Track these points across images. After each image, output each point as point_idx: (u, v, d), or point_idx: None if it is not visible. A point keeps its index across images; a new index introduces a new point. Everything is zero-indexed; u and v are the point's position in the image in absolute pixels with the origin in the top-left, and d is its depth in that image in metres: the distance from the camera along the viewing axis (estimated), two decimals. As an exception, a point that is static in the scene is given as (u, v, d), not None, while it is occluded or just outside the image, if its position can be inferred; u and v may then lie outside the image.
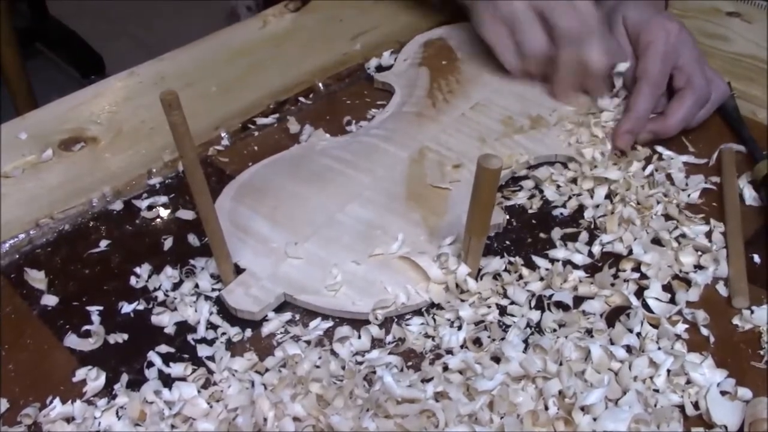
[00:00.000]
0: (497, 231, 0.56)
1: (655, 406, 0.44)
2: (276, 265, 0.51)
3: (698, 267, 0.53)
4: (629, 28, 0.65)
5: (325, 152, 0.62)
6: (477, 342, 0.48)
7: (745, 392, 0.45)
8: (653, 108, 0.63)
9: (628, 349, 0.47)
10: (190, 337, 0.48)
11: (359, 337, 0.48)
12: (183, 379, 0.46)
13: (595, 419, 0.42)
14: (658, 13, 0.65)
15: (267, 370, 0.46)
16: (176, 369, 0.46)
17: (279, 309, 0.50)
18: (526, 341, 0.48)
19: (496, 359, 0.46)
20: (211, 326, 0.49)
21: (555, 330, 0.48)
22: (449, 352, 0.47)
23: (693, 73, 0.63)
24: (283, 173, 0.59)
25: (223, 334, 0.48)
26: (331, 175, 0.59)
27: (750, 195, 0.59)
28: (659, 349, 0.47)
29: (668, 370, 0.45)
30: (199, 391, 0.44)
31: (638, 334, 0.48)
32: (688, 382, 0.45)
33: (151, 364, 0.46)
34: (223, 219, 0.50)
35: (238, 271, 0.51)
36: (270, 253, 0.52)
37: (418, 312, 0.50)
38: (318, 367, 0.46)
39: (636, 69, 0.64)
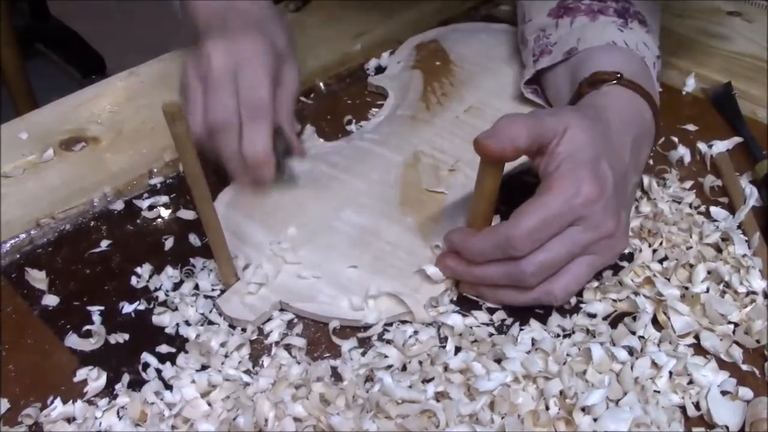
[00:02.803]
0: None
1: (657, 405, 0.43)
2: (271, 272, 0.51)
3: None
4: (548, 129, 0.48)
5: (319, 157, 0.61)
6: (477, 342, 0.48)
7: (745, 392, 0.45)
8: (485, 256, 0.47)
9: (630, 351, 0.46)
10: (191, 337, 0.48)
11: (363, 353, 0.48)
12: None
13: (595, 420, 0.42)
14: (596, 156, 0.47)
15: (268, 369, 0.46)
16: (177, 369, 0.46)
17: (281, 308, 0.50)
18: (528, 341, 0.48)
19: (498, 359, 0.46)
20: (212, 325, 0.49)
21: (558, 336, 0.48)
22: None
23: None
24: None
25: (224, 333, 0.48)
26: (325, 180, 0.59)
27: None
28: (660, 350, 0.46)
29: (669, 372, 0.45)
30: (199, 392, 0.44)
31: (641, 337, 0.48)
32: (690, 382, 0.45)
33: (147, 365, 0.46)
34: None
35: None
36: (265, 261, 0.52)
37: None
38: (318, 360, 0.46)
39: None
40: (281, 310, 0.50)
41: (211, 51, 0.55)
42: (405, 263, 0.52)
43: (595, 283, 0.51)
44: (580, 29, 0.61)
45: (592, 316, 0.49)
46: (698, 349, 0.48)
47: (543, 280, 0.47)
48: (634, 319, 0.49)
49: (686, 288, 0.50)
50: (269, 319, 0.49)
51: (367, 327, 0.49)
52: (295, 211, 0.56)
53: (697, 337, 0.48)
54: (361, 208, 0.56)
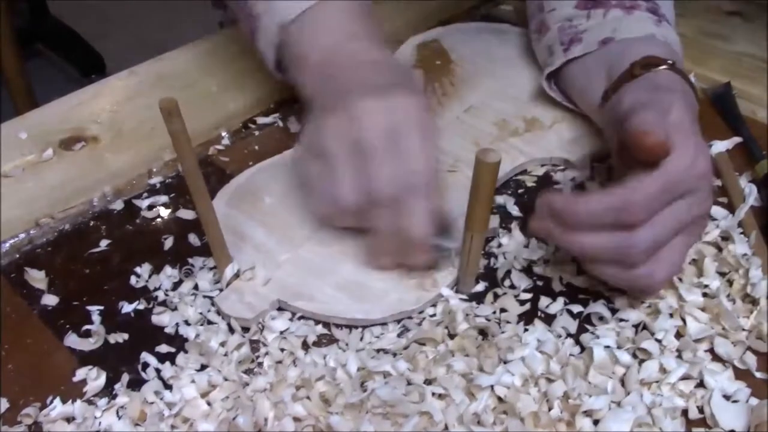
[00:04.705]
0: (492, 235, 0.56)
1: (660, 407, 0.43)
2: (270, 271, 0.51)
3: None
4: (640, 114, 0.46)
5: None
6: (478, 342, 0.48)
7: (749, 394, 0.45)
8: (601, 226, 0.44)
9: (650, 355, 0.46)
10: (190, 337, 0.48)
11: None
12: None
13: (597, 421, 0.42)
14: (697, 131, 0.47)
15: (267, 369, 0.46)
16: (176, 369, 0.46)
17: (280, 307, 0.50)
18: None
19: (500, 360, 0.46)
20: (212, 325, 0.49)
21: (560, 335, 0.48)
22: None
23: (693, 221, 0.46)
24: (278, 178, 0.59)
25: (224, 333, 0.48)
26: None
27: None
28: (682, 358, 0.46)
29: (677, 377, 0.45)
30: (199, 392, 0.44)
31: (658, 340, 0.47)
32: (697, 386, 0.45)
33: (146, 365, 0.46)
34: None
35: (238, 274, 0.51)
36: (264, 259, 0.52)
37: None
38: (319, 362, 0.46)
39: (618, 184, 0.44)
40: (280, 308, 0.50)
41: (364, 111, 0.47)
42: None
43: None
44: (615, 21, 0.60)
45: (624, 321, 0.49)
46: (715, 355, 0.47)
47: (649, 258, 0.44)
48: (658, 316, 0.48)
49: (698, 286, 0.50)
50: (268, 318, 0.49)
51: (367, 326, 0.49)
52: (294, 210, 0.56)
53: (712, 342, 0.48)
54: None
